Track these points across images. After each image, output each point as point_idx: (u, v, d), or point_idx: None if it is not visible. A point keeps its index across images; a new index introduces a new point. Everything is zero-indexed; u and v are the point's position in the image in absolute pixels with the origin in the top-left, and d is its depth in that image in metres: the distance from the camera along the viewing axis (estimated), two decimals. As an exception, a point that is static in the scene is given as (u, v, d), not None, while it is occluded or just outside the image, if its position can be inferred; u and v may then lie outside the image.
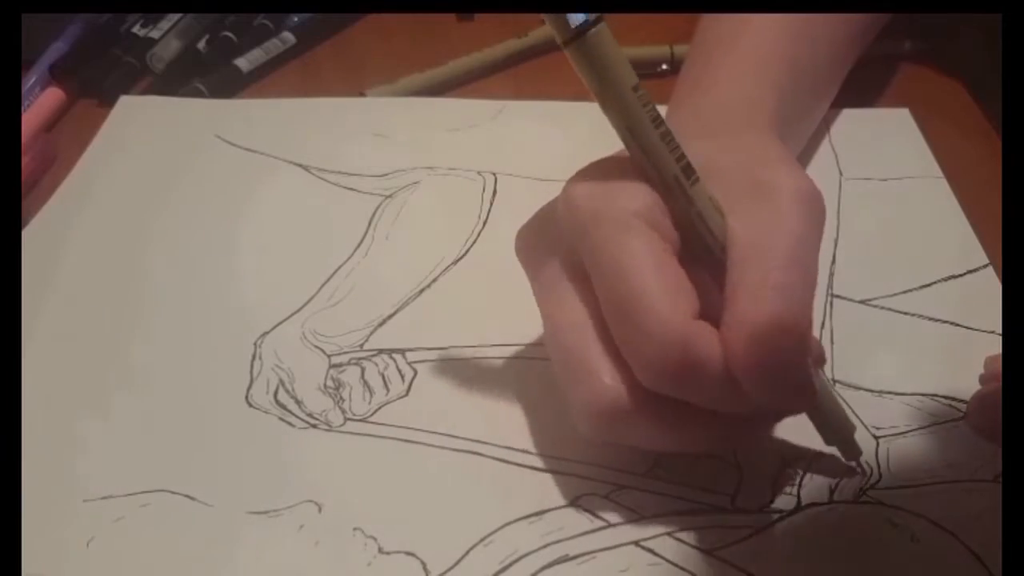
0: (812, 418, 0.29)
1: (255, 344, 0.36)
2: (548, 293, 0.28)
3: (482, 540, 0.29)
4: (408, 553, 0.28)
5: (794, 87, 0.36)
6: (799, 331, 0.25)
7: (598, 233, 0.26)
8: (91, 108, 0.50)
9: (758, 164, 0.28)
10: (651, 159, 0.26)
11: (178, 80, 0.51)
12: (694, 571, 0.28)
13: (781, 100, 0.35)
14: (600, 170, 0.27)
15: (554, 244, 0.28)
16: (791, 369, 0.25)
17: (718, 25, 0.39)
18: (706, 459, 0.31)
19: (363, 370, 0.34)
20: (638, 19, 0.53)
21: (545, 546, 0.28)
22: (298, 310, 0.37)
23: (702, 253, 0.27)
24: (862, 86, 0.49)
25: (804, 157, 0.44)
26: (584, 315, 0.27)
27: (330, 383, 0.34)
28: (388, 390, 0.34)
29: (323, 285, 0.38)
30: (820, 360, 0.29)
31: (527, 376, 0.34)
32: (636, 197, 0.26)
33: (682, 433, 0.27)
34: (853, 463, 0.30)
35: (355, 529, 0.29)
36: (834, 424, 0.30)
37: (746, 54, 0.36)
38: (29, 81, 0.50)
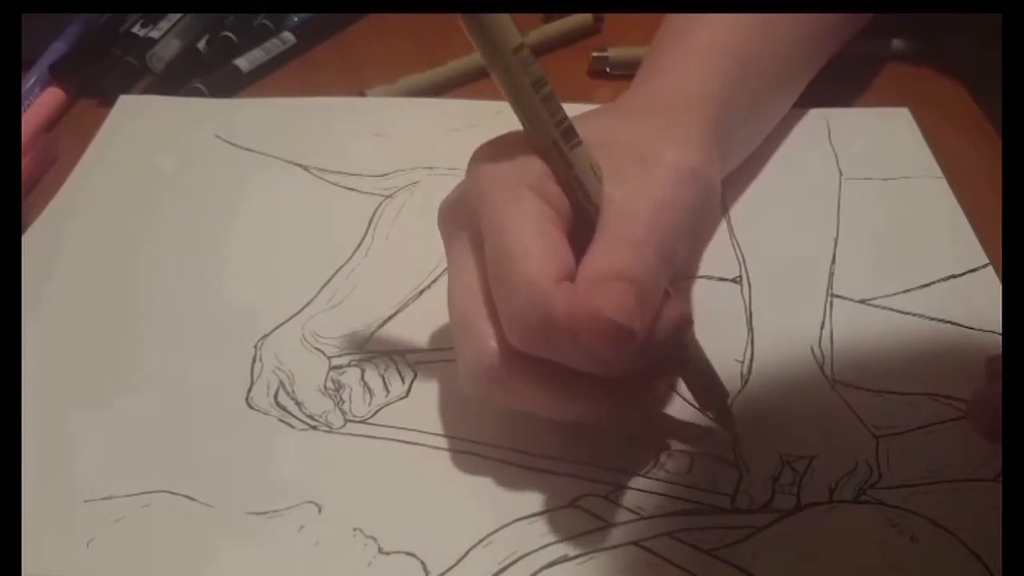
0: (688, 384, 0.31)
1: (255, 346, 0.36)
2: (452, 262, 0.30)
3: (482, 540, 0.29)
4: (408, 553, 0.28)
5: (743, 78, 0.37)
6: (638, 285, 0.26)
7: (490, 199, 0.28)
8: (91, 108, 0.50)
9: (651, 139, 0.30)
10: (531, 121, 0.27)
11: (178, 80, 0.51)
12: (694, 571, 0.28)
13: (725, 90, 0.36)
14: (502, 141, 0.29)
15: (466, 217, 0.29)
16: (620, 321, 0.25)
17: (678, 17, 0.40)
18: (705, 459, 0.31)
19: (363, 371, 0.34)
20: (638, 19, 0.53)
21: (544, 546, 0.28)
22: (298, 312, 0.37)
23: (586, 220, 0.28)
24: (862, 86, 0.49)
25: (804, 157, 0.44)
26: (475, 280, 0.28)
27: (330, 384, 0.34)
28: (388, 391, 0.34)
29: (323, 287, 0.38)
30: (686, 323, 0.29)
31: None
32: (528, 167, 0.28)
33: (560, 398, 0.28)
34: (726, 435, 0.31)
35: (355, 530, 0.29)
36: (707, 390, 0.31)
37: (696, 45, 0.38)
38: (29, 81, 0.50)
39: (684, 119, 0.32)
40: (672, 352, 0.29)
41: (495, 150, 0.29)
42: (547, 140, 0.28)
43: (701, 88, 0.35)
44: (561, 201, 0.28)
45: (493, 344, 0.27)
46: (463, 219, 0.29)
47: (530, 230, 0.27)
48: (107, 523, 0.29)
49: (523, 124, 0.28)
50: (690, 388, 0.31)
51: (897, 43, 0.52)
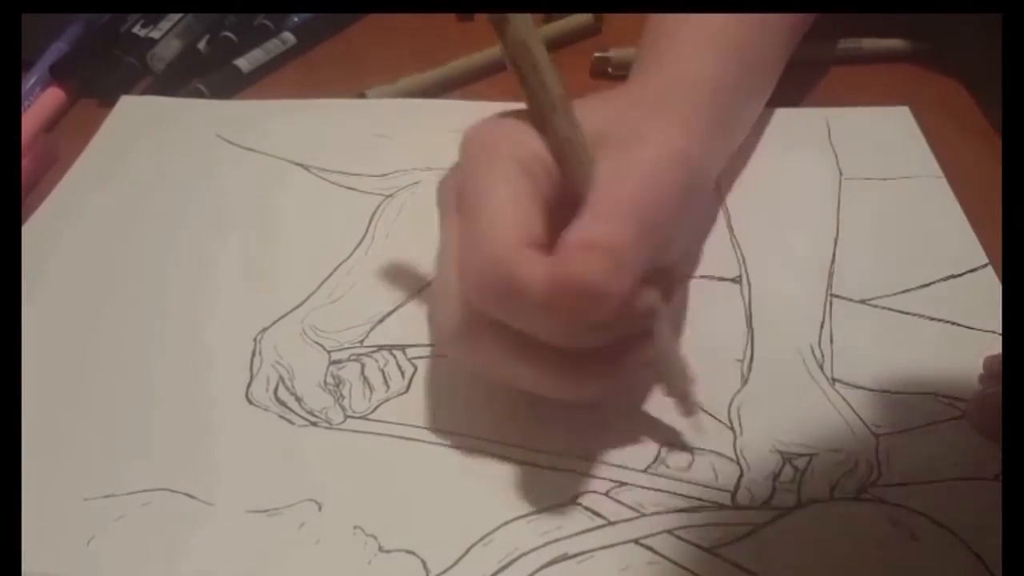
0: (656, 369, 0.31)
1: (255, 340, 0.36)
2: (441, 232, 0.30)
3: (482, 539, 0.29)
4: (408, 552, 0.28)
5: (736, 63, 0.38)
6: (612, 255, 0.26)
7: (472, 167, 0.28)
8: (91, 108, 0.50)
9: (640, 122, 0.30)
10: (537, 88, 0.28)
11: (178, 80, 0.51)
12: (694, 569, 0.28)
13: (718, 75, 0.36)
14: (498, 116, 0.30)
15: (454, 189, 0.30)
16: (591, 290, 0.25)
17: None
18: (706, 455, 0.31)
19: (363, 366, 0.35)
20: (639, 19, 0.53)
21: (545, 544, 0.28)
22: (298, 306, 0.37)
23: (575, 199, 0.28)
24: (862, 86, 0.49)
25: (804, 157, 0.44)
26: (455, 247, 0.29)
27: (330, 380, 0.34)
28: (388, 387, 0.34)
29: (323, 282, 0.38)
30: (652, 313, 0.29)
31: None
32: (518, 142, 0.28)
33: (521, 362, 0.28)
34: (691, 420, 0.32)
35: (355, 528, 0.29)
36: (671, 376, 0.31)
37: (688, 33, 0.38)
38: (29, 81, 0.50)
39: (675, 104, 0.33)
40: (638, 339, 0.29)
41: (489, 123, 0.29)
42: (549, 107, 0.28)
43: (694, 74, 0.36)
44: (545, 178, 0.28)
45: (456, 305, 0.28)
46: (452, 192, 0.30)
47: (502, 196, 0.27)
48: (107, 521, 0.29)
49: (527, 93, 0.28)
50: (656, 376, 0.32)
51: (897, 43, 0.52)
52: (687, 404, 0.31)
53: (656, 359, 0.30)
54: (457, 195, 0.29)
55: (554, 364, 0.28)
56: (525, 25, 0.27)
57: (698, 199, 0.32)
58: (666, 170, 0.29)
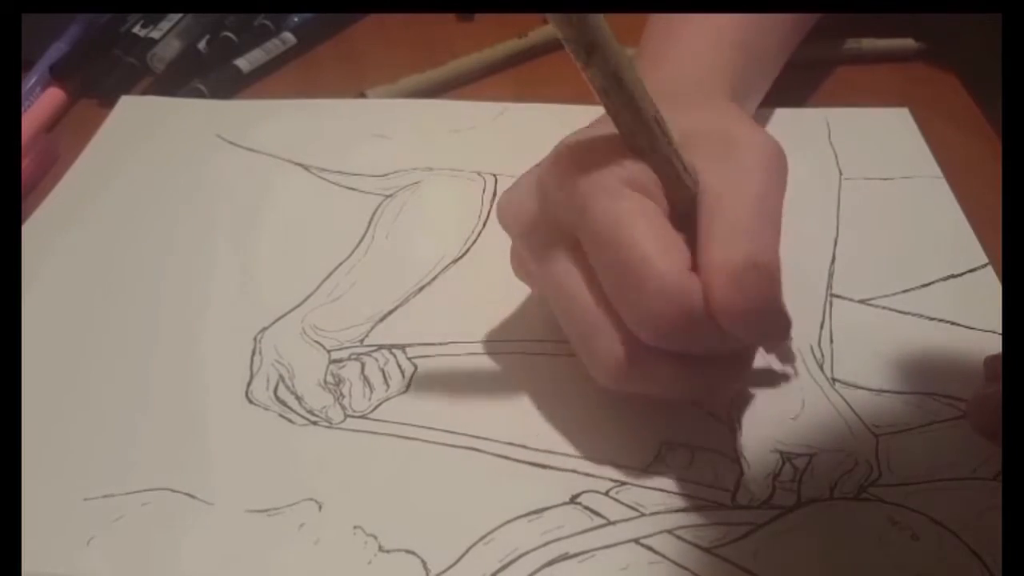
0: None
1: (255, 339, 0.36)
2: (543, 254, 0.30)
3: (482, 538, 0.29)
4: (408, 551, 0.28)
5: (746, 62, 0.38)
6: (771, 269, 0.27)
7: (593, 204, 0.27)
8: (91, 108, 0.50)
9: (723, 126, 0.30)
10: (634, 114, 0.27)
11: (178, 80, 0.51)
12: (694, 569, 0.28)
13: (735, 73, 0.37)
14: (586, 143, 0.29)
15: (541, 214, 0.30)
16: (769, 304, 0.27)
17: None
18: (706, 454, 0.31)
19: (363, 365, 0.35)
20: (638, 19, 0.53)
21: (545, 544, 0.28)
22: (298, 305, 0.37)
23: (685, 212, 0.28)
24: (862, 86, 0.49)
25: (804, 157, 0.44)
26: (580, 276, 0.29)
27: (330, 379, 0.34)
28: (388, 386, 0.34)
29: (323, 281, 0.38)
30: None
31: (527, 372, 0.34)
32: (624, 166, 0.28)
33: (686, 380, 0.29)
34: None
35: (355, 527, 0.29)
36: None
37: (702, 30, 0.38)
38: (29, 81, 0.50)
39: (723, 103, 0.33)
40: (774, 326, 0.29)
41: (583, 152, 0.28)
42: (648, 134, 0.27)
43: (718, 72, 0.36)
44: (660, 197, 0.28)
45: (622, 346, 0.28)
46: (552, 228, 0.29)
47: (645, 228, 0.27)
48: (107, 521, 0.29)
49: (621, 119, 0.27)
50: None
51: (897, 43, 0.52)
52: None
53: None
54: (563, 236, 0.29)
55: (713, 370, 0.29)
56: (616, 54, 0.26)
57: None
58: (774, 171, 0.29)
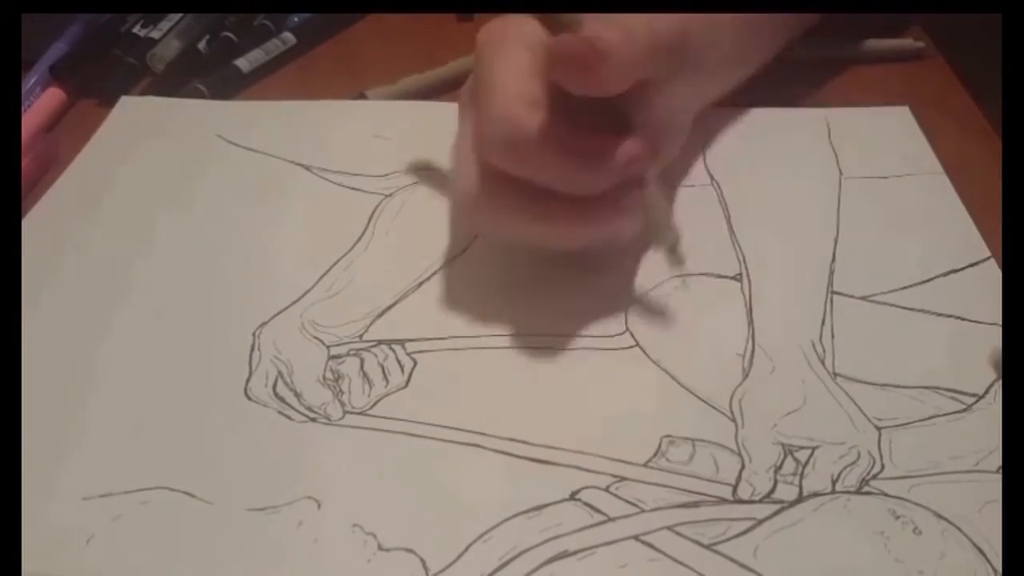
0: (645, 218, 0.34)
1: (254, 335, 0.36)
2: (459, 124, 0.35)
3: (481, 536, 0.28)
4: (407, 550, 0.28)
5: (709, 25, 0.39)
6: (614, 47, 0.30)
7: (486, 51, 0.33)
8: (91, 108, 0.50)
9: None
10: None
11: (178, 80, 0.51)
12: (694, 567, 0.28)
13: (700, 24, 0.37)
14: (500, 20, 0.34)
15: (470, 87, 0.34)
16: (602, 47, 0.30)
17: None
18: (708, 447, 0.31)
19: (362, 361, 0.34)
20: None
21: (544, 542, 0.28)
22: (297, 300, 0.37)
23: None
24: (862, 86, 0.49)
25: (804, 157, 0.44)
26: (470, 131, 0.33)
27: (329, 375, 0.34)
28: (388, 382, 0.34)
29: (322, 276, 0.38)
30: (644, 157, 0.33)
31: (527, 367, 0.34)
32: (528, 33, 0.32)
33: (536, 217, 0.32)
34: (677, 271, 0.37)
35: (354, 526, 0.29)
36: (658, 225, 0.35)
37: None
38: (29, 81, 0.51)
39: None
40: (631, 185, 0.33)
41: (494, 24, 0.34)
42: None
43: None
44: (545, 55, 0.32)
45: (475, 171, 0.32)
46: (468, 91, 0.35)
47: (505, 69, 0.32)
48: (106, 521, 0.29)
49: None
50: (645, 227, 0.35)
51: (897, 43, 0.52)
52: (675, 254, 0.35)
53: (645, 207, 0.34)
54: (473, 88, 0.33)
55: (563, 213, 0.32)
56: None
57: (679, 80, 0.35)
58: (644, 28, 0.32)
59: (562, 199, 0.32)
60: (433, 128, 0.46)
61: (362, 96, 0.49)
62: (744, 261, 0.38)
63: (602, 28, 0.30)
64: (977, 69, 0.50)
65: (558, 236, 0.33)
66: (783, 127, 0.45)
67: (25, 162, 0.44)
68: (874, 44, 0.51)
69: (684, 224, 0.39)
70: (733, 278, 0.38)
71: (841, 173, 0.43)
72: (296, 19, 0.55)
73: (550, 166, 0.31)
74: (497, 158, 0.31)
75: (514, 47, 0.32)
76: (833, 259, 0.38)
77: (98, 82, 0.51)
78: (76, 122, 0.49)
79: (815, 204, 0.41)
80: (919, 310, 0.36)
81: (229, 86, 0.51)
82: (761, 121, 0.45)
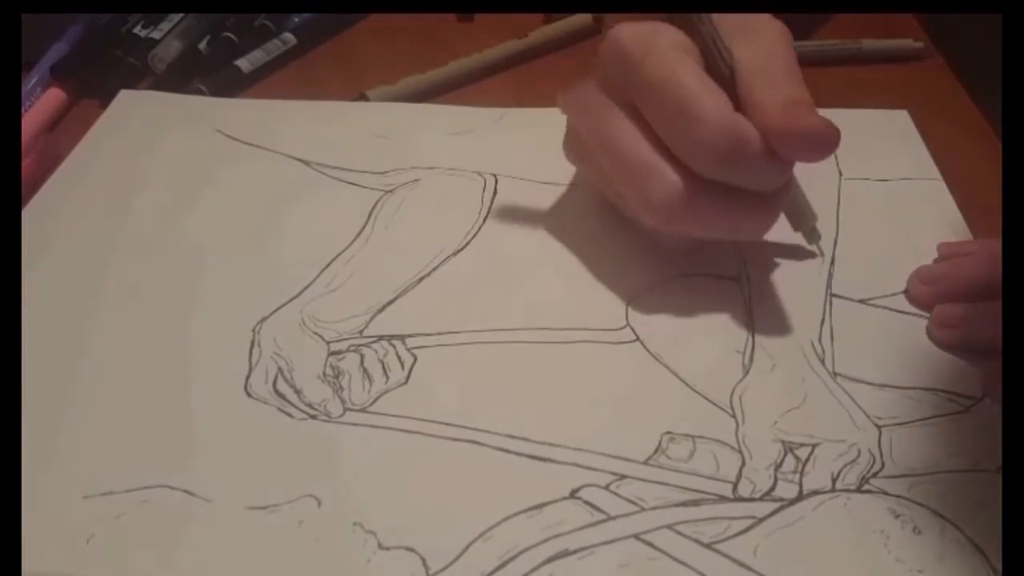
0: (787, 210, 0.37)
1: (254, 330, 0.36)
2: (600, 121, 0.35)
3: (482, 535, 0.29)
4: (408, 548, 0.28)
5: None
6: (808, 101, 0.32)
7: (649, 60, 0.33)
8: (92, 109, 0.50)
9: (737, 18, 0.35)
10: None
11: (179, 80, 0.51)
12: (693, 565, 0.28)
13: None
14: (636, 22, 0.34)
15: (598, 93, 0.35)
16: (819, 121, 0.31)
17: None
18: (708, 444, 0.31)
19: (362, 357, 0.34)
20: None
21: (545, 540, 0.28)
22: (297, 295, 0.37)
23: (718, 77, 0.33)
24: (862, 86, 0.50)
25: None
26: (636, 130, 0.34)
27: (329, 371, 0.34)
28: (388, 378, 0.34)
29: (322, 271, 0.38)
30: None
31: (527, 362, 0.34)
32: (672, 33, 0.34)
33: (735, 215, 0.33)
34: (814, 248, 0.39)
35: (355, 524, 0.29)
36: (801, 210, 0.38)
37: None
38: (30, 82, 0.50)
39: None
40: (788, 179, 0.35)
41: (635, 27, 0.34)
42: (692, 15, 0.34)
43: None
44: (700, 61, 0.33)
45: (676, 178, 0.33)
46: (608, 99, 0.35)
47: (696, 74, 0.32)
48: (107, 519, 0.29)
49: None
50: (787, 212, 0.37)
51: (897, 43, 0.52)
52: (814, 232, 0.38)
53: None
54: (615, 99, 0.34)
55: (756, 207, 0.33)
56: None
57: None
58: (790, 42, 0.34)
59: (753, 195, 0.33)
60: (434, 129, 0.46)
61: (363, 97, 0.49)
62: (744, 262, 0.38)
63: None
64: (976, 70, 0.50)
65: (754, 231, 0.34)
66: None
67: (26, 162, 0.44)
68: (874, 44, 0.52)
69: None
70: (732, 279, 0.38)
71: (841, 174, 0.43)
72: (297, 19, 0.55)
73: (766, 170, 0.32)
74: (715, 167, 0.32)
75: (677, 51, 0.33)
76: (832, 261, 0.38)
77: (99, 82, 0.51)
78: (77, 122, 0.49)
79: (815, 204, 0.41)
80: (915, 314, 0.36)
81: (230, 86, 0.51)
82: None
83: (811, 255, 0.39)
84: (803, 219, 0.38)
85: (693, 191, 0.32)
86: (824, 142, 0.32)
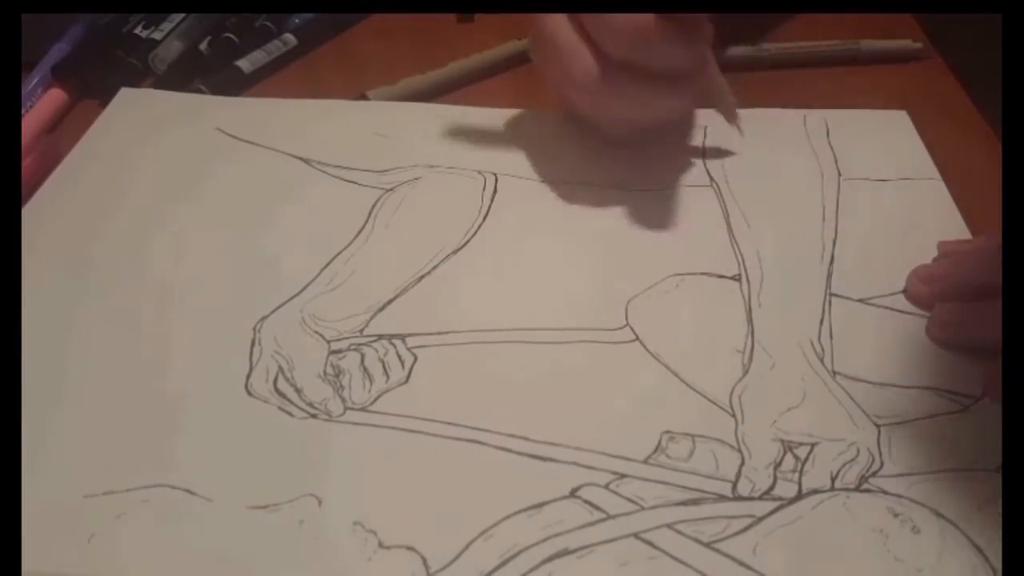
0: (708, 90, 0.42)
1: (254, 329, 0.36)
2: (544, 20, 0.40)
3: (482, 534, 0.29)
4: (408, 547, 0.28)
5: None
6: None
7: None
8: (93, 109, 0.50)
9: None
10: None
11: (180, 81, 0.51)
12: (693, 564, 0.28)
13: None
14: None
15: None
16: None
17: None
18: (708, 443, 0.31)
19: (363, 356, 0.35)
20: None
21: (545, 539, 0.28)
22: (297, 294, 0.37)
23: None
24: (862, 86, 0.50)
25: (804, 158, 0.44)
26: (567, 24, 0.38)
27: (330, 370, 0.34)
28: (388, 377, 0.34)
29: (322, 270, 0.38)
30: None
31: (528, 361, 0.34)
32: None
33: (649, 94, 0.38)
34: (734, 127, 0.44)
35: (355, 523, 0.29)
36: (720, 93, 0.43)
37: None
38: (31, 82, 0.50)
39: None
40: (704, 62, 0.40)
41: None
42: None
43: None
44: None
45: (596, 64, 0.37)
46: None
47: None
48: (108, 519, 0.29)
49: None
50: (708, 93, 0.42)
51: (896, 43, 0.52)
52: (731, 113, 0.43)
53: (709, 80, 0.41)
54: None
55: (665, 89, 0.38)
56: None
57: None
58: None
59: (662, 79, 0.38)
60: (434, 129, 0.47)
61: (363, 97, 0.49)
62: (743, 261, 0.38)
63: None
64: (976, 70, 0.50)
65: (663, 109, 0.40)
66: (783, 128, 0.45)
67: (27, 163, 0.44)
68: (873, 45, 0.52)
69: (684, 225, 0.39)
70: (732, 278, 0.38)
71: (840, 174, 0.43)
72: (297, 20, 0.55)
73: (664, 46, 0.36)
74: (623, 45, 0.36)
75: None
76: (832, 261, 0.38)
77: (100, 83, 0.51)
78: (78, 123, 0.49)
79: (814, 205, 0.41)
80: (915, 314, 0.36)
81: (231, 87, 0.51)
82: (761, 121, 0.45)
83: (811, 253, 0.39)
84: (720, 98, 0.43)
85: (612, 72, 0.37)
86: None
